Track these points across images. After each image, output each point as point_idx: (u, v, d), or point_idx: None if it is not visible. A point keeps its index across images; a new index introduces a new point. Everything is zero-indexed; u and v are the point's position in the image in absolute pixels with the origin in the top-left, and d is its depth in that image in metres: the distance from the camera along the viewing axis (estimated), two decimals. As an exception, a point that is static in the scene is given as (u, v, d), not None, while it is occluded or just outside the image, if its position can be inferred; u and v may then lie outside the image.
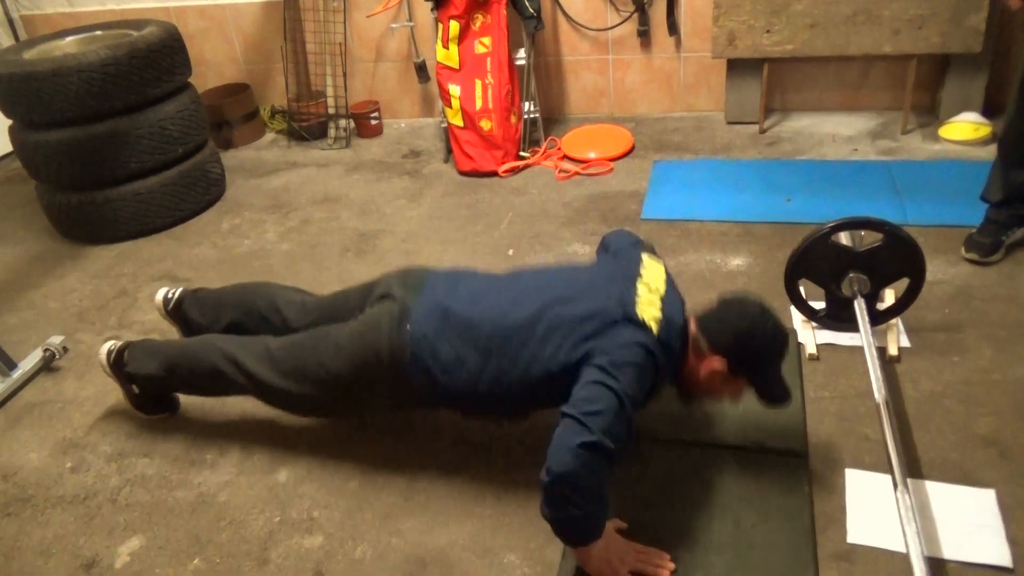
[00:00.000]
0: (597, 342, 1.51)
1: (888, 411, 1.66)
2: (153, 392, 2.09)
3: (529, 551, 1.62)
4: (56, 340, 2.42)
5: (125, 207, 3.10)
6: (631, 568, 1.50)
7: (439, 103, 3.48)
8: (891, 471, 1.52)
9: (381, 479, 1.85)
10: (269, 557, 1.68)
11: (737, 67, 3.42)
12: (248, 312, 2.03)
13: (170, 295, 2.18)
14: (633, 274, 1.65)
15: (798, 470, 1.74)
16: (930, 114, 3.38)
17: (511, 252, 2.78)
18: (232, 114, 3.99)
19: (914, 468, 1.73)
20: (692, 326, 1.62)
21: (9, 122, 3.13)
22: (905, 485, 1.47)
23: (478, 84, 3.26)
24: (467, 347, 1.62)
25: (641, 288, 1.60)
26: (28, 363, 2.35)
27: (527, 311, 1.60)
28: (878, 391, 1.71)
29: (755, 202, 2.89)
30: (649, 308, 1.55)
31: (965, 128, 3.14)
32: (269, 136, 4.17)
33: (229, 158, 3.91)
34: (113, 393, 2.22)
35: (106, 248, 3.15)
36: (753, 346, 1.57)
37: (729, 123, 3.58)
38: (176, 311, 2.17)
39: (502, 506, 1.74)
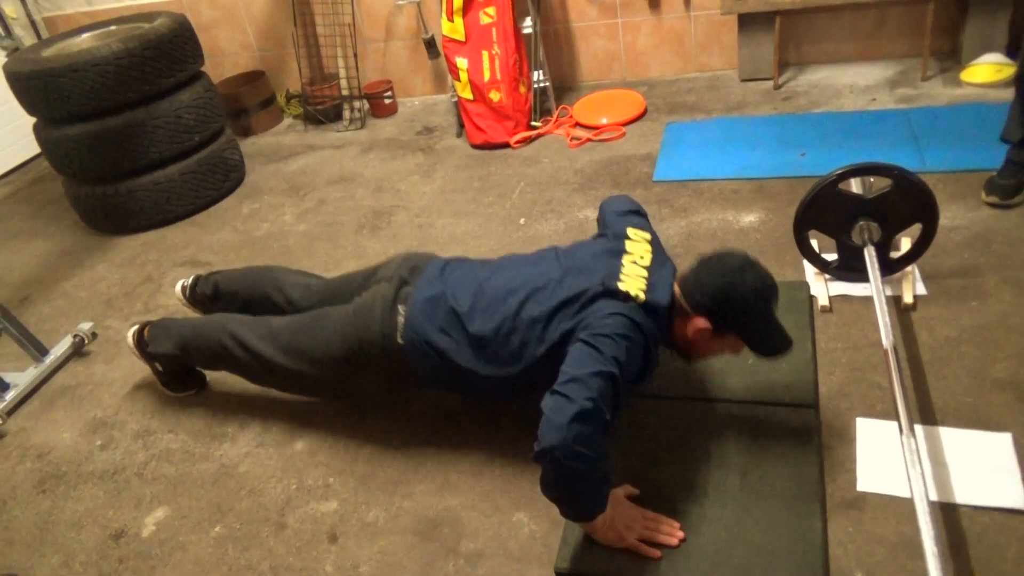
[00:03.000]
0: (580, 317, 1.52)
1: (895, 357, 1.63)
2: (174, 370, 2.16)
3: (537, 509, 1.64)
4: (85, 326, 2.51)
5: (147, 197, 3.18)
6: (639, 536, 1.49)
7: (450, 78, 3.47)
8: (896, 417, 1.50)
9: (393, 448, 1.89)
10: (287, 522, 1.74)
11: (748, 22, 3.35)
12: (256, 294, 2.09)
13: (185, 284, 2.28)
14: (619, 249, 1.67)
15: (807, 420, 1.72)
16: (951, 58, 3.27)
17: (522, 221, 2.78)
18: (249, 101, 4.05)
19: (927, 414, 1.70)
20: (676, 289, 1.61)
21: (33, 120, 3.23)
22: (911, 430, 1.45)
23: (485, 55, 3.25)
24: (459, 335, 1.64)
25: (627, 261, 1.63)
26: (59, 349, 2.44)
27: (517, 299, 1.62)
28: (885, 337, 1.68)
29: (768, 158, 2.84)
30: (635, 280, 1.57)
31: (987, 70, 3.03)
32: (286, 121, 4.22)
33: (248, 145, 3.97)
34: (139, 374, 2.30)
35: (132, 238, 3.23)
36: (732, 304, 1.53)
37: (743, 80, 3.51)
38: (193, 296, 2.26)
39: (511, 468, 1.76)
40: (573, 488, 1.40)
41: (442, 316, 1.67)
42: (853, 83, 3.28)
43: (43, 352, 2.40)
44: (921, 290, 2.07)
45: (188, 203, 3.29)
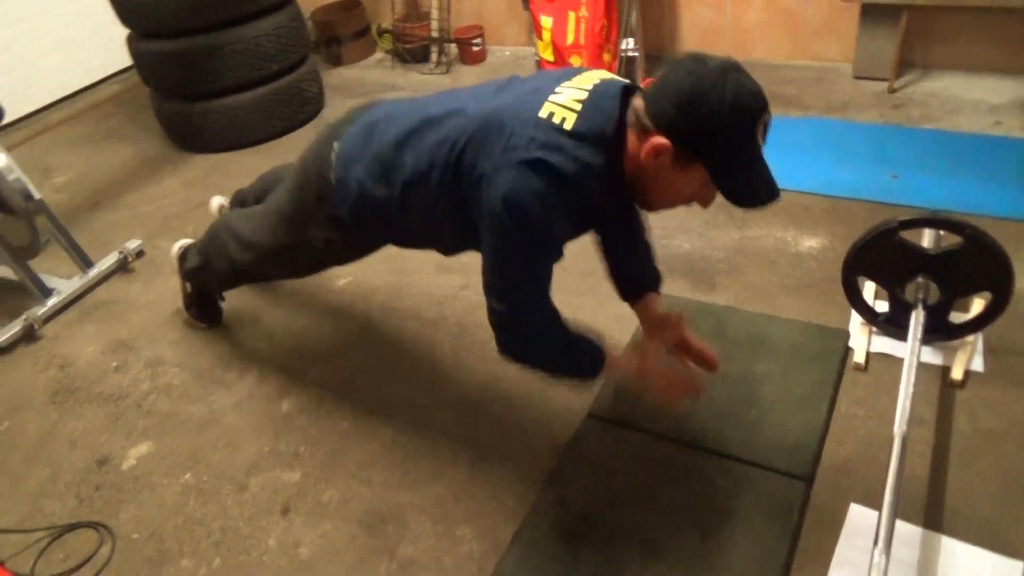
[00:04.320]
0: (483, 154, 1.27)
1: (902, 448, 1.44)
2: (200, 296, 2.23)
3: (484, 527, 1.59)
4: (132, 245, 2.61)
5: (219, 120, 3.24)
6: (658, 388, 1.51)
7: (534, 35, 3.30)
8: (878, 524, 1.32)
9: (372, 424, 1.87)
10: (249, 484, 1.77)
11: (873, 12, 2.97)
12: (265, 191, 2.09)
13: (223, 203, 2.40)
14: (560, 77, 1.33)
15: (793, 494, 1.56)
16: (1111, 84, 2.80)
17: (571, 203, 2.64)
18: (343, 31, 4.02)
19: (934, 516, 1.51)
20: (637, 102, 1.23)
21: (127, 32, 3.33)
22: (887, 544, 1.28)
23: (571, 16, 3.06)
24: (383, 168, 1.46)
25: (561, 88, 1.28)
26: (104, 263, 2.55)
27: (438, 131, 1.38)
28: (899, 421, 1.49)
29: (854, 174, 2.55)
30: (563, 103, 1.24)
31: None
32: (377, 55, 4.18)
33: (336, 76, 3.97)
34: (169, 301, 2.38)
35: (204, 158, 3.33)
36: (701, 114, 1.15)
37: (856, 77, 3.15)
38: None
39: (472, 474, 1.71)
40: (556, 367, 1.45)
41: (370, 150, 1.49)
42: (979, 98, 2.87)
43: (89, 264, 2.53)
44: (978, 366, 1.82)
45: (260, 131, 3.33)
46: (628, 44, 3.24)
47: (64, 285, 2.46)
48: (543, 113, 1.23)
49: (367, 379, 2.02)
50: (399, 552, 1.58)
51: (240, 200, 2.33)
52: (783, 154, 2.71)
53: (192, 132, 3.31)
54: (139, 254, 2.64)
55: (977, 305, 1.89)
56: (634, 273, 1.70)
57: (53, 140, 3.76)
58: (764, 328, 1.98)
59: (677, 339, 1.63)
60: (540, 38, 3.16)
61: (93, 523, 1.71)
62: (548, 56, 3.16)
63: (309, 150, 1.68)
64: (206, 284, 2.20)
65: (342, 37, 4.02)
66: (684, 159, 1.20)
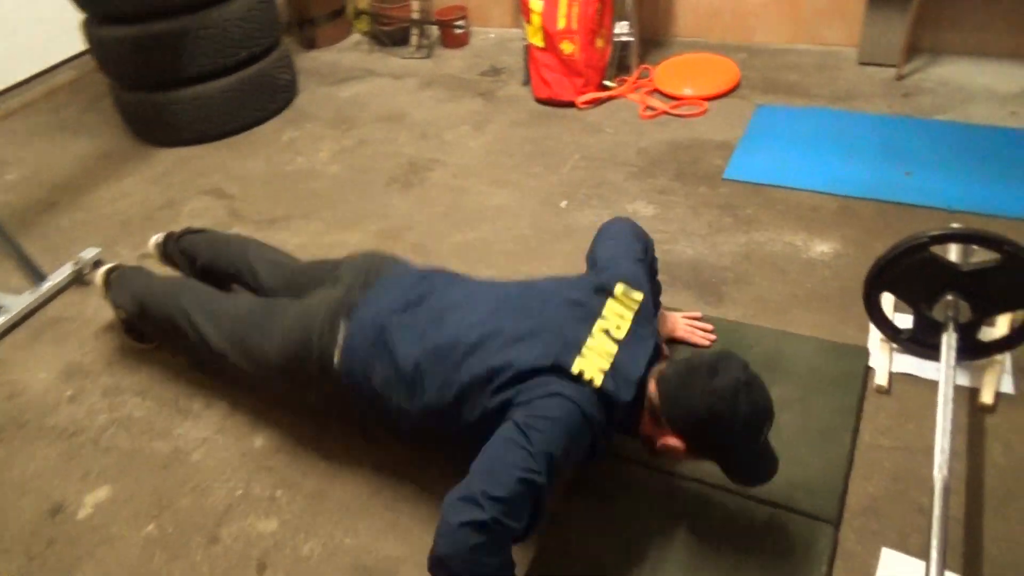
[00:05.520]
0: (520, 388, 1.27)
1: (945, 495, 1.31)
2: (130, 322, 2.05)
3: (481, 583, 1.44)
4: (88, 254, 2.40)
5: (185, 111, 3.02)
6: None
7: (522, 19, 3.10)
8: (924, 587, 1.19)
9: (352, 465, 1.71)
10: (220, 536, 1.60)
11: (881, -6, 2.81)
12: (223, 264, 1.94)
13: (158, 241, 2.16)
14: (593, 311, 1.39)
15: (821, 540, 1.43)
16: None
17: (564, 204, 2.47)
18: (317, 11, 3.78)
19: (973, 564, 1.38)
20: (652, 386, 1.34)
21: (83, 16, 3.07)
22: (937, 614, 1.15)
23: (562, 0, 2.85)
24: (397, 375, 1.41)
25: (597, 330, 1.35)
26: (57, 276, 2.35)
27: (461, 350, 1.36)
28: (939, 468, 1.35)
29: (866, 171, 2.40)
30: (596, 359, 1.30)
31: None
32: (354, 37, 3.95)
33: (310, 59, 3.74)
34: (128, 319, 2.19)
35: (167, 151, 3.10)
36: (715, 432, 1.27)
37: (861, 63, 2.98)
38: (164, 254, 2.14)
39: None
40: None
41: (383, 350, 1.43)
42: (992, 87, 2.73)
43: (41, 278, 2.32)
44: (1008, 387, 1.69)
45: (228, 122, 3.11)
46: (622, 28, 3.05)
47: (13, 301, 2.26)
48: (575, 370, 1.27)
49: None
50: (388, 615, 1.42)
51: (188, 253, 2.06)
52: (789, 149, 2.56)
53: (156, 124, 3.08)
54: (96, 264, 2.43)
55: (1003, 321, 1.75)
56: None
57: (2, 133, 3.51)
58: (778, 346, 1.83)
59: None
60: (529, 22, 2.95)
61: (46, 585, 1.54)
62: (537, 41, 2.96)
63: (307, 314, 1.55)
64: (138, 324, 2.02)
65: (316, 18, 3.78)
66: (694, 452, 1.32)
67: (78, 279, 2.39)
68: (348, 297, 1.52)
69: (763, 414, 1.27)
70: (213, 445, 1.80)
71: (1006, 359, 1.73)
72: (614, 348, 1.33)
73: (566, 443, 1.21)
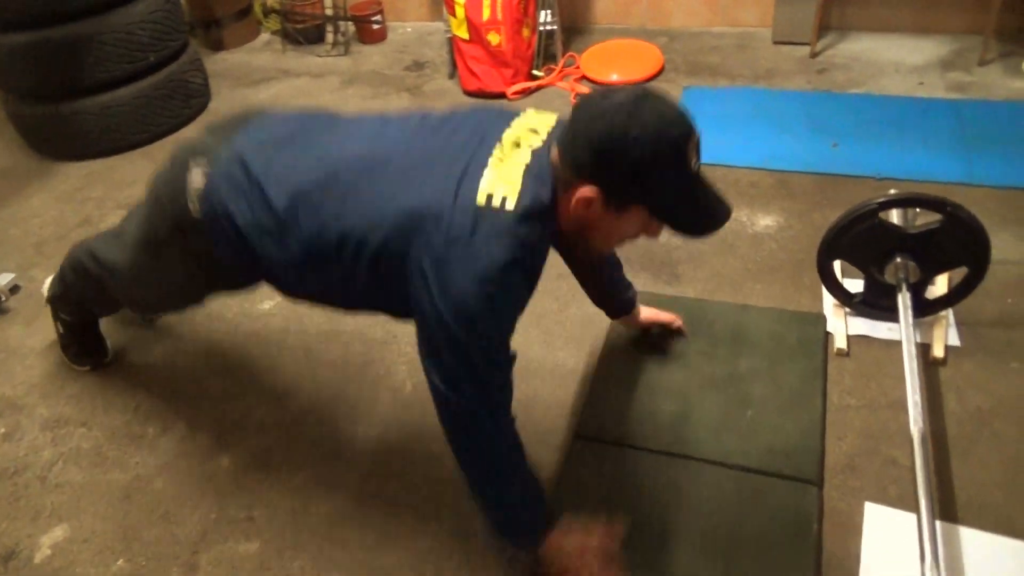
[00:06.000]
0: (415, 241, 1.09)
1: (924, 446, 1.38)
2: (74, 332, 1.93)
3: (484, 582, 1.42)
4: (4, 279, 2.22)
5: (94, 121, 2.82)
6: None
7: (445, 11, 3.06)
8: (919, 534, 1.25)
9: (332, 475, 1.65)
10: (199, 563, 1.51)
11: (791, -24, 2.93)
12: None
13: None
14: (490, 133, 1.15)
15: (808, 501, 1.48)
16: (1016, 42, 2.87)
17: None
18: (222, 11, 3.61)
19: (947, 508, 1.46)
20: (554, 154, 1.11)
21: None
22: (935, 558, 1.21)
23: (486, -10, 2.83)
24: (275, 223, 1.21)
25: (496, 155, 1.11)
26: (-28, 305, 2.15)
27: (353, 197, 1.16)
28: (915, 421, 1.42)
29: (796, 146, 2.50)
30: (502, 179, 1.08)
31: (1057, 62, 2.66)
32: (264, 37, 3.80)
33: (218, 61, 3.57)
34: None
35: (76, 165, 2.89)
36: (621, 158, 1.03)
37: (776, 43, 3.11)
38: None
39: (459, 522, 1.52)
40: (499, 495, 1.25)
41: (250, 185, 1.23)
42: (900, 60, 2.89)
43: (-47, 309, 2.12)
44: (954, 340, 1.79)
45: (141, 131, 2.93)
46: (546, 16, 3.06)
47: (-77, 337, 2.06)
48: (481, 200, 1.07)
49: (317, 419, 1.78)
50: (393, 625, 1.38)
51: None
52: (721, 128, 2.63)
53: (60, 137, 2.86)
54: (13, 290, 2.24)
55: (942, 280, 1.86)
56: (612, 298, 1.76)
57: None
58: (739, 319, 1.89)
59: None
60: (453, 14, 2.92)
61: (7, 639, 1.42)
62: (462, 34, 2.93)
63: (156, 173, 1.41)
64: (76, 312, 1.90)
65: (222, 18, 3.61)
66: (617, 204, 1.08)
67: (-6, 308, 2.20)
68: (202, 143, 1.33)
69: (678, 125, 1.04)
70: (176, 470, 1.70)
71: (948, 314, 1.84)
72: (523, 163, 1.10)
73: (503, 304, 1.10)
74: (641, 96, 1.04)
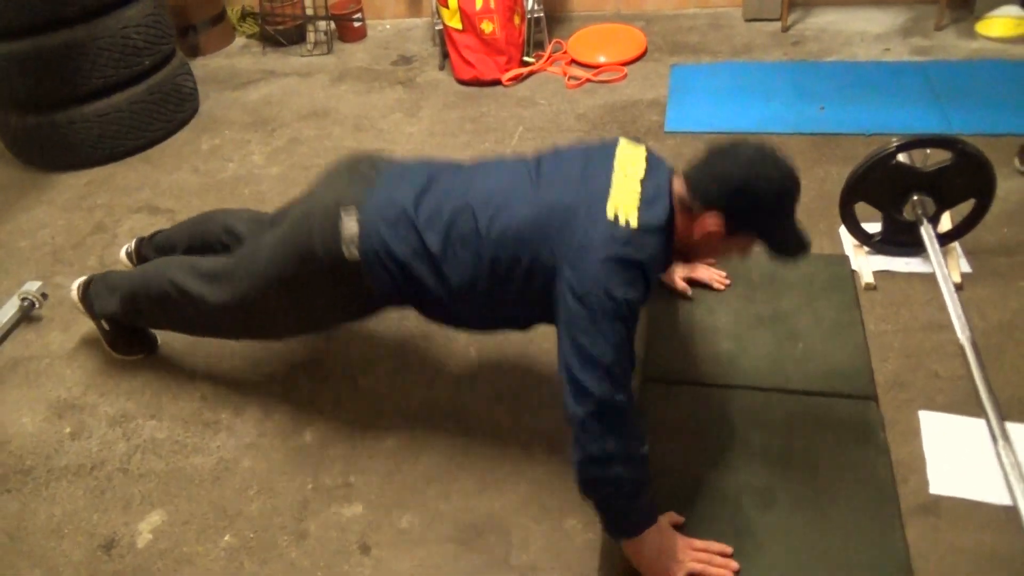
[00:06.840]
0: (562, 247, 1.30)
1: (975, 352, 1.54)
2: (121, 329, 1.94)
3: (589, 514, 1.49)
4: (33, 286, 2.18)
5: (90, 128, 2.78)
6: (688, 570, 1.34)
7: (435, 3, 3.13)
8: (988, 422, 1.41)
9: (417, 437, 1.71)
10: (308, 529, 1.55)
11: (759, -44, 3.12)
12: (203, 239, 1.88)
13: (129, 250, 2.07)
14: (602, 163, 1.40)
15: (868, 414, 1.62)
16: (964, 7, 3.13)
17: (527, 172, 2.55)
18: (197, 17, 3.59)
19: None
20: (678, 185, 1.36)
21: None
22: (1006, 438, 1.37)
23: (479, -19, 2.92)
24: (421, 244, 1.41)
25: (615, 181, 1.35)
26: (4, 314, 2.11)
27: (487, 211, 1.38)
28: (962, 330, 1.59)
29: (787, 111, 2.68)
30: (623, 201, 1.31)
31: (1005, 23, 2.91)
32: (239, 41, 3.79)
33: (198, 67, 3.53)
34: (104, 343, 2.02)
35: (74, 175, 2.84)
36: (753, 199, 1.30)
37: (748, 20, 3.30)
38: (140, 262, 2.02)
39: (551, 465, 1.61)
40: (616, 492, 1.30)
41: (405, 227, 1.41)
42: (864, 30, 3.12)
43: (-14, 318, 2.08)
44: (967, 268, 1.98)
45: (138, 137, 2.90)
46: (532, 4, 3.17)
47: (-40, 349, 2.01)
48: (610, 214, 1.29)
49: (390, 388, 1.83)
50: (513, 561, 1.45)
51: (166, 247, 1.98)
52: (714, 101, 2.79)
53: (55, 147, 2.81)
54: (44, 296, 2.20)
55: (945, 219, 2.05)
56: None
57: None
58: (770, 266, 2.03)
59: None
60: (445, 5, 2.99)
61: (129, 619, 1.42)
62: (455, 24, 3.01)
63: (302, 218, 1.51)
64: (130, 324, 1.93)
65: (198, 24, 3.58)
66: (734, 229, 1.34)
67: (27, 316, 2.16)
68: (349, 192, 1.47)
69: (793, 178, 1.32)
70: (260, 448, 1.73)
71: (956, 246, 2.02)
72: (638, 186, 1.34)
73: (627, 286, 1.27)
74: (769, 153, 1.33)
